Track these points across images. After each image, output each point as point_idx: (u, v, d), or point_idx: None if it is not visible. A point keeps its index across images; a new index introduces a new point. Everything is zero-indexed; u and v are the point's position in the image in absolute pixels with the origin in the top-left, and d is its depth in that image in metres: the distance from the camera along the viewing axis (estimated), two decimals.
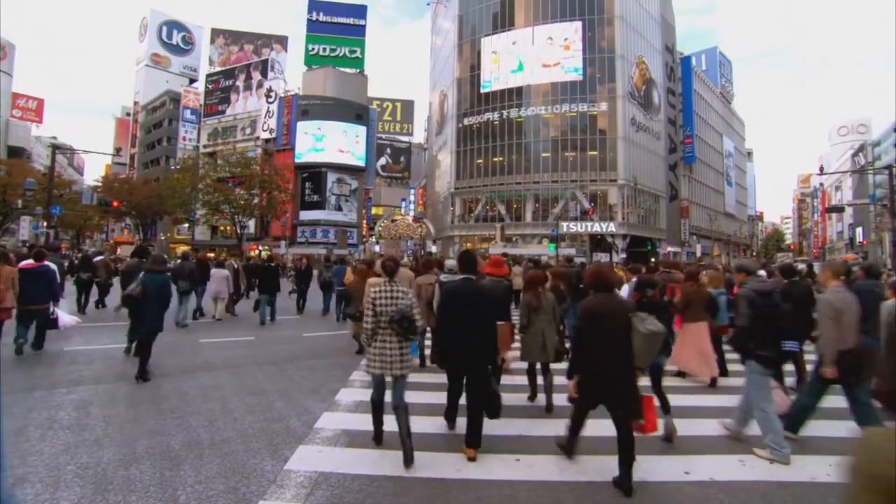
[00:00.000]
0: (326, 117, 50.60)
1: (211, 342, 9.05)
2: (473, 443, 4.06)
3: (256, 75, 56.61)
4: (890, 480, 0.87)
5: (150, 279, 6.46)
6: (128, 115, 79.68)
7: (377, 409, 4.25)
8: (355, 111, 52.28)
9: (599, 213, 43.77)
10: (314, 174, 50.49)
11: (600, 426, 4.56)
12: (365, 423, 4.85)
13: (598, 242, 41.88)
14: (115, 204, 42.80)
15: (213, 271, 11.93)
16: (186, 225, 54.48)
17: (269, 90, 53.88)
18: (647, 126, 48.89)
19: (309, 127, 50.52)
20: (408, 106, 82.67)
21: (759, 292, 4.15)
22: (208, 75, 62.97)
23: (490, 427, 4.72)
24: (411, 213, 56.33)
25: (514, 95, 48.04)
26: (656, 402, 4.15)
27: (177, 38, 76.64)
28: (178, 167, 46.49)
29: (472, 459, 4.01)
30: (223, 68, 63.53)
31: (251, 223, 45.93)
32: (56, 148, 29.89)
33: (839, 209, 62.35)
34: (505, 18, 49.42)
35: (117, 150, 67.00)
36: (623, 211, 44.01)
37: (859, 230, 67.40)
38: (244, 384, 6.26)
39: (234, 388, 6.03)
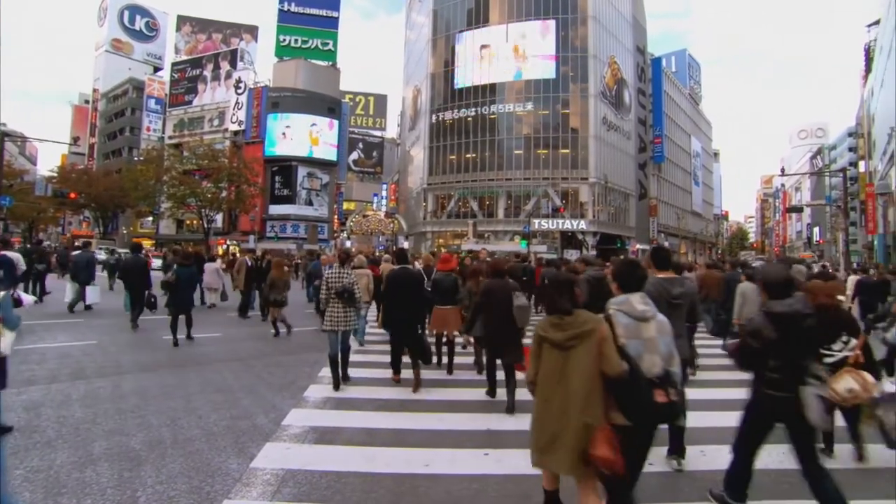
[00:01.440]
0: (298, 110, 49.62)
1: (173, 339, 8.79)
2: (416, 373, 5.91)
3: (225, 65, 55.04)
4: (540, 337, 2.52)
5: (181, 270, 8.48)
6: (86, 102, 76.12)
7: (334, 362, 5.85)
8: (327, 104, 51.45)
9: (570, 210, 44.44)
10: (284, 168, 49.50)
11: None
12: (334, 419, 4.82)
13: (569, 239, 42.59)
14: (73, 196, 40.94)
15: (206, 265, 12.91)
16: (150, 218, 52.71)
17: (239, 81, 52.46)
18: (617, 125, 49.84)
19: (280, 119, 49.49)
20: (381, 100, 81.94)
21: (594, 278, 5.48)
22: (174, 64, 60.87)
23: (459, 422, 4.77)
24: (383, 209, 55.87)
25: (488, 92, 48.21)
26: None
27: (140, 23, 73.63)
28: (141, 158, 44.75)
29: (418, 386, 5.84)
30: (190, 57, 61.52)
31: (219, 217, 44.72)
32: (5, 135, 28.40)
33: (798, 209, 65.08)
34: (479, 15, 49.49)
35: (75, 140, 63.91)
36: (594, 209, 44.81)
37: (816, 230, 70.52)
38: (209, 381, 6.10)
39: (199, 386, 5.88)
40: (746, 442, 3.09)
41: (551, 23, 46.46)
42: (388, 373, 6.35)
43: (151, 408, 4.99)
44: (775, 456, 4.08)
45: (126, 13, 71.85)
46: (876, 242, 40.52)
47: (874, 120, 44.98)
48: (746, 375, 3.16)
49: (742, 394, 5.57)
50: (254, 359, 7.46)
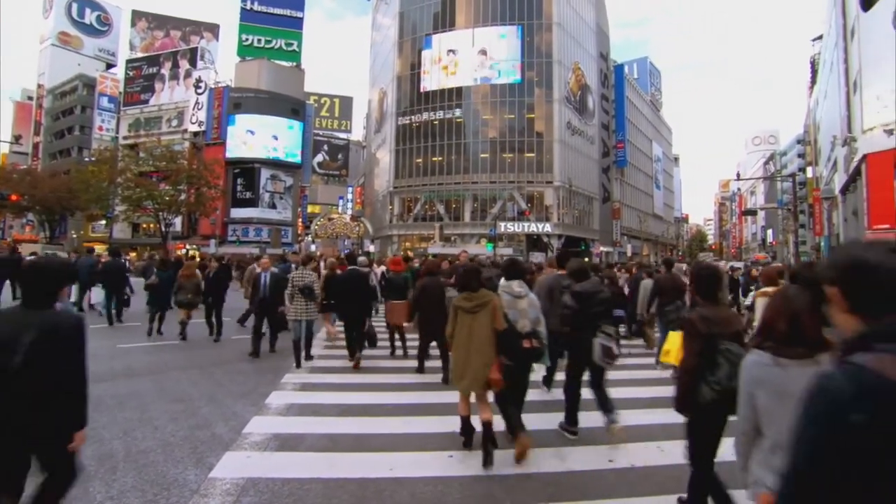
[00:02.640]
0: (260, 111, 48.59)
1: (131, 347, 8.46)
2: (354, 356, 7.12)
3: (184, 64, 53.35)
4: (456, 306, 4.05)
5: (161, 273, 10.00)
6: (30, 99, 72.07)
7: (297, 346, 7.14)
8: (291, 106, 50.62)
9: (536, 213, 45.11)
10: (246, 170, 48.35)
11: (526, 421, 4.71)
12: (296, 425, 4.75)
13: (535, 242, 43.23)
14: (14, 198, 38.63)
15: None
16: (103, 222, 50.38)
17: (199, 80, 50.97)
18: (581, 130, 50.97)
19: (242, 121, 48.32)
20: (346, 102, 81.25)
21: (485, 277, 6.71)
22: (129, 61, 58.54)
23: (423, 425, 4.80)
24: (349, 212, 55.36)
25: (454, 96, 48.47)
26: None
27: (90, 17, 70.22)
28: (93, 159, 42.66)
29: (357, 367, 7.02)
30: (146, 54, 59.30)
31: (177, 221, 43.19)
32: None
33: (752, 212, 68.12)
34: (446, 18, 49.73)
35: (16, 138, 60.23)
36: (558, 212, 45.63)
37: (770, 232, 73.89)
38: (167, 390, 5.90)
39: (156, 395, 5.68)
40: (574, 376, 4.65)
41: (517, 28, 47.15)
42: (352, 377, 6.47)
43: (103, 420, 4.77)
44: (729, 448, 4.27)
45: (74, 6, 68.38)
46: (822, 244, 42.85)
47: (819, 128, 47.61)
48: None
49: None
50: (213, 366, 7.25)
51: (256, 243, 44.66)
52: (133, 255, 42.65)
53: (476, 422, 4.06)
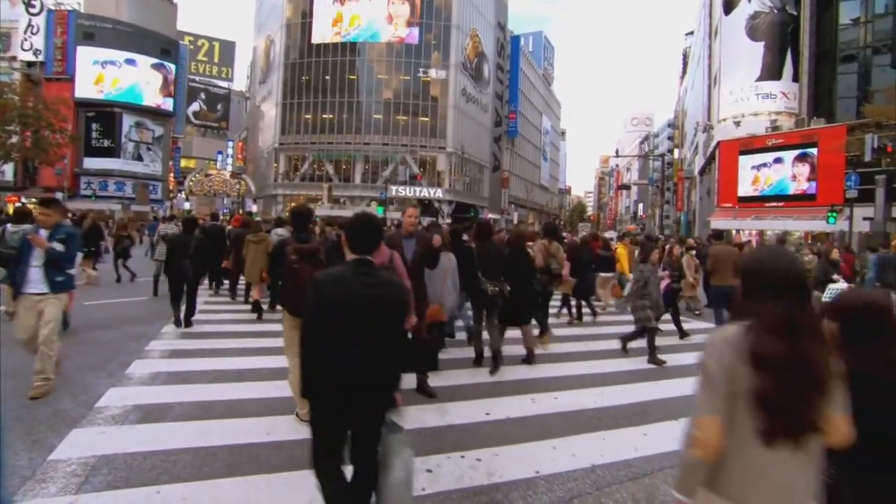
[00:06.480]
0: (120, 46, 41.84)
1: None
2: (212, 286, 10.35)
3: None
4: (248, 240, 8.37)
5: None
6: None
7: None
8: (161, 44, 44.31)
9: (428, 178, 45.40)
10: (104, 115, 41.78)
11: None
12: (163, 395, 4.37)
13: (426, 207, 43.60)
14: None
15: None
16: None
17: None
18: (476, 98, 51.67)
19: (96, 55, 41.33)
20: (228, 47, 73.27)
21: (269, 227, 10.30)
22: None
23: None
24: (229, 168, 50.96)
25: (348, 51, 46.18)
26: None
27: None
28: None
29: (214, 294, 10.02)
30: None
31: (8, 168, 36.32)
32: None
33: (627, 187, 75.14)
34: None
35: None
36: (450, 178, 46.36)
37: (641, 206, 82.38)
38: None
39: None
40: None
41: None
42: (226, 342, 6.26)
43: None
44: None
45: None
46: (682, 218, 49.00)
47: (686, 115, 53.58)
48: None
49: (584, 347, 6.29)
50: (61, 335, 6.32)
51: (119, 199, 39.35)
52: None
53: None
